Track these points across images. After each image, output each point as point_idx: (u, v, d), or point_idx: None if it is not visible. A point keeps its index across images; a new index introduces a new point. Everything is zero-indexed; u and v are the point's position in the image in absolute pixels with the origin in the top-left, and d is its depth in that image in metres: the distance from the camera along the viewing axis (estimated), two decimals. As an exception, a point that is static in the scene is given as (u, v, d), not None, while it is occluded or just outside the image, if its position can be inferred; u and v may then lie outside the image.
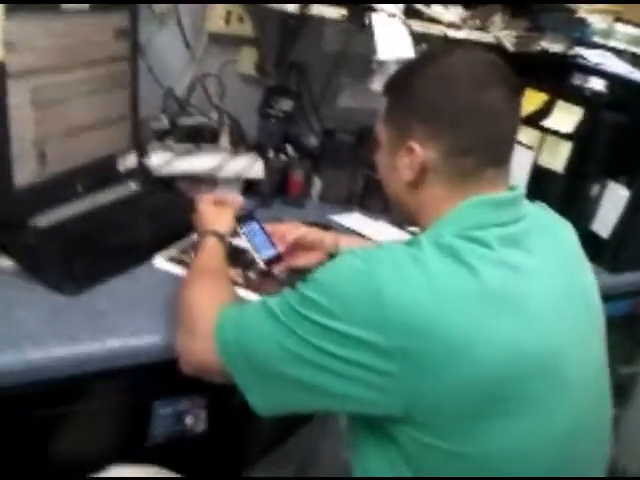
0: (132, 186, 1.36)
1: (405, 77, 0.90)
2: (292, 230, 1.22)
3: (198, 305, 0.93)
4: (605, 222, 1.54)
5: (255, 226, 1.20)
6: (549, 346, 0.80)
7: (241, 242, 1.28)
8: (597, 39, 1.74)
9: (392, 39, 1.46)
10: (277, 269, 1.21)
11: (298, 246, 1.23)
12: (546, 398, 0.79)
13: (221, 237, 1.09)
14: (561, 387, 0.80)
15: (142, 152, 1.41)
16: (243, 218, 1.19)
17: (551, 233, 0.90)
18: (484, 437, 0.77)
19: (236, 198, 1.25)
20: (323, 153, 1.65)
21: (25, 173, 1.11)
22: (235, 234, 1.17)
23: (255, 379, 0.84)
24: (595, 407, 0.88)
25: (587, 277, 0.93)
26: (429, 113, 0.84)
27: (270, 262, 1.19)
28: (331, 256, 1.22)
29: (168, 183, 1.44)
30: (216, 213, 1.14)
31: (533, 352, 0.77)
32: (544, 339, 0.79)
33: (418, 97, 0.85)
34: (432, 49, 0.98)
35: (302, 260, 1.23)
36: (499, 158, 0.86)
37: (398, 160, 0.87)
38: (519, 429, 0.77)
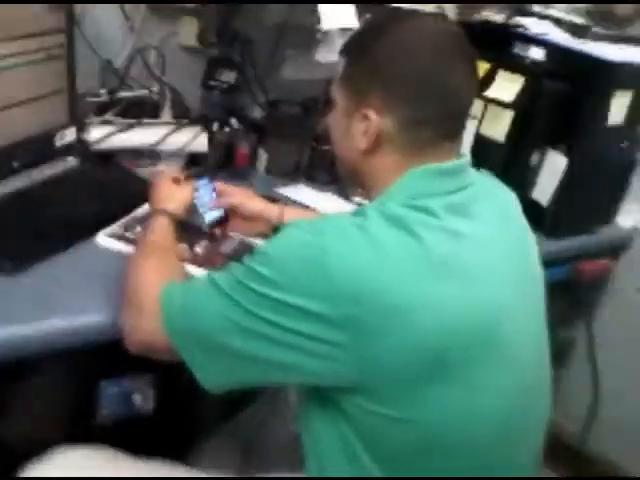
0: (71, 162, 1.33)
1: (366, 40, 0.87)
2: (234, 195, 1.22)
3: (144, 283, 0.92)
4: (544, 190, 1.57)
5: (206, 185, 1.21)
6: (490, 312, 0.82)
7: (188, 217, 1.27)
8: (538, 8, 1.75)
9: (335, 9, 1.45)
10: (219, 231, 1.23)
11: (239, 214, 1.23)
12: (487, 364, 0.81)
13: (172, 217, 1.08)
14: (502, 352, 0.83)
15: (81, 127, 1.37)
16: (196, 175, 1.21)
17: (495, 201, 0.92)
18: (427, 403, 0.78)
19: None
20: (268, 125, 1.63)
21: (-44, 150, 1.07)
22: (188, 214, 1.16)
23: (202, 354, 0.83)
24: (535, 371, 0.91)
25: (529, 244, 0.96)
26: (389, 81, 0.83)
27: (214, 225, 1.22)
28: (276, 229, 1.23)
29: (109, 158, 1.41)
30: (172, 191, 1.13)
31: (474, 318, 0.79)
32: (485, 305, 0.81)
33: (379, 63, 0.84)
34: (392, 13, 0.95)
35: (241, 228, 1.24)
36: (454, 132, 0.87)
37: (352, 126, 0.86)
38: (461, 395, 0.79)
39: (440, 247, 0.79)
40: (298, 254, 0.77)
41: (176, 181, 1.17)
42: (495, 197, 0.93)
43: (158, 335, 0.86)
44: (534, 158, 1.56)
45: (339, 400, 0.81)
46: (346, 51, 0.90)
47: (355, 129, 0.86)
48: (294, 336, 0.76)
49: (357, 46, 0.89)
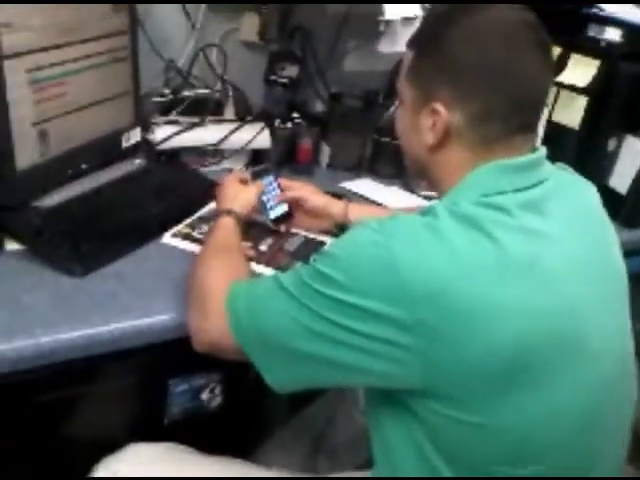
0: (137, 162, 1.35)
1: (435, 31, 0.83)
2: (297, 190, 1.22)
3: (210, 284, 0.91)
4: (623, 177, 1.50)
5: (271, 180, 1.22)
6: (570, 313, 0.77)
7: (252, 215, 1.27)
8: (612, -14, 1.66)
9: (398, -2, 1.42)
10: (283, 227, 1.23)
11: (302, 210, 1.22)
12: (569, 366, 0.77)
13: (238, 217, 1.07)
14: (583, 353, 0.78)
15: (146, 127, 1.39)
16: (260, 171, 1.21)
17: (573, 196, 0.87)
18: (504, 408, 0.75)
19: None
20: (330, 119, 1.61)
21: (27, 155, 1.09)
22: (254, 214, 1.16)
23: (270, 356, 0.83)
24: (619, 370, 0.86)
25: (610, 241, 0.90)
26: (459, 73, 0.80)
27: (279, 220, 1.22)
28: (340, 226, 1.22)
29: (174, 157, 1.42)
30: (238, 191, 1.13)
31: (554, 321, 0.75)
32: (565, 306, 0.77)
33: (447, 54, 0.80)
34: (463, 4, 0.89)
35: (304, 224, 1.24)
36: (527, 125, 0.83)
37: (420, 121, 0.84)
38: (543, 398, 0.76)
39: (516, 248, 0.75)
40: (367, 256, 0.75)
41: (243, 181, 1.17)
42: (572, 193, 0.88)
43: (224, 336, 0.85)
44: (611, 144, 1.50)
45: (409, 401, 0.78)
46: (414, 43, 0.87)
47: (423, 124, 0.83)
48: (362, 338, 0.74)
49: (426, 38, 0.85)
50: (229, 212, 1.07)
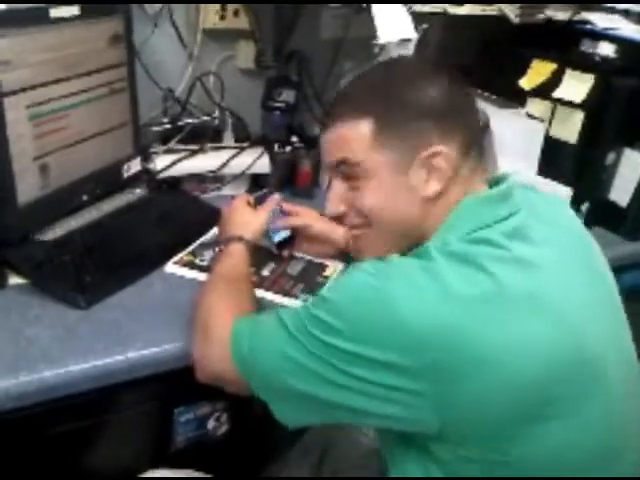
0: (138, 192, 1.36)
1: (382, 91, 0.83)
2: (301, 216, 1.21)
3: (215, 313, 0.91)
4: (623, 190, 1.50)
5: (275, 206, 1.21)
6: (579, 340, 0.76)
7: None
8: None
9: (392, 20, 1.43)
10: (286, 252, 1.23)
11: (306, 235, 1.22)
12: (585, 393, 0.76)
13: (249, 244, 1.06)
14: (597, 383, 0.77)
15: (146, 156, 1.40)
16: (264, 196, 1.21)
17: (549, 217, 0.87)
18: (531, 441, 0.74)
19: (274, 196, 1.20)
20: (329, 142, 1.62)
21: (28, 188, 1.10)
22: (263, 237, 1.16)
23: (275, 394, 0.81)
24: (633, 396, 0.85)
25: (596, 255, 0.91)
26: (437, 113, 0.81)
27: (282, 244, 1.22)
28: (341, 251, 1.22)
29: (174, 185, 1.43)
30: (247, 217, 1.12)
31: (566, 350, 0.74)
32: (573, 334, 0.76)
33: (414, 101, 0.81)
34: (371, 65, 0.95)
35: (307, 249, 1.24)
36: (482, 150, 0.86)
37: (411, 177, 0.81)
38: (564, 428, 0.74)
39: (512, 280, 0.74)
40: (365, 302, 0.73)
41: (250, 205, 1.15)
42: (547, 213, 0.88)
43: (228, 369, 0.84)
44: (609, 158, 1.50)
45: (428, 444, 0.77)
46: (366, 110, 0.82)
47: (414, 179, 0.81)
48: (370, 385, 0.72)
49: (379, 99, 0.83)
50: (240, 239, 1.06)
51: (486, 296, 0.72)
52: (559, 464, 0.76)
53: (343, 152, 0.84)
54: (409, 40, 1.44)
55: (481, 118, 0.86)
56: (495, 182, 0.87)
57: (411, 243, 0.83)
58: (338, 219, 0.90)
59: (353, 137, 0.83)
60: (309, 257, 1.25)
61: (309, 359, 0.75)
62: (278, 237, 1.21)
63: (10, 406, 0.87)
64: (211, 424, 1.11)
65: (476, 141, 0.84)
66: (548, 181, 1.50)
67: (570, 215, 0.93)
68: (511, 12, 1.56)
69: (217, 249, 1.09)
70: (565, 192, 1.48)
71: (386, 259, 0.77)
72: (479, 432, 0.73)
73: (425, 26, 1.49)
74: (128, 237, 1.21)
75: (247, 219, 1.11)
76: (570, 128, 1.47)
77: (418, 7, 1.47)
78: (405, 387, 0.71)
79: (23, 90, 1.06)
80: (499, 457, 0.74)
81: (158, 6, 1.44)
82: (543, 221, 0.84)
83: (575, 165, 1.48)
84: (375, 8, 1.39)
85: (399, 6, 1.44)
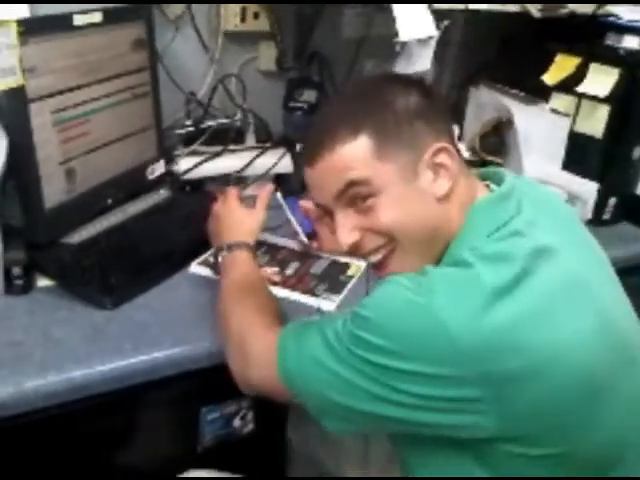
0: (162, 194, 1.37)
1: (366, 104, 0.82)
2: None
3: (248, 328, 0.89)
4: (651, 185, 1.49)
5: (293, 199, 1.22)
6: (617, 328, 0.78)
7: (277, 239, 1.29)
8: (628, -7, 1.65)
9: (413, 18, 1.42)
10: (315, 243, 1.23)
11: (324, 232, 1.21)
12: (625, 372, 0.78)
13: (252, 248, 1.05)
14: (633, 363, 0.80)
15: (170, 159, 1.41)
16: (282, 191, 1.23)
17: (550, 209, 0.88)
18: (579, 434, 0.74)
19: (266, 188, 1.18)
20: (351, 141, 1.62)
21: (55, 193, 1.12)
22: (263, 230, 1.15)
23: (329, 414, 0.80)
24: None
25: (595, 243, 0.91)
26: (423, 113, 0.81)
27: (310, 237, 1.23)
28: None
29: (198, 187, 1.44)
30: (243, 218, 1.09)
31: (608, 334, 0.76)
32: (611, 321, 0.77)
33: (399, 106, 0.81)
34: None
35: (327, 245, 1.18)
36: None
37: (421, 182, 0.80)
38: (611, 413, 0.75)
39: (550, 274, 0.74)
40: (410, 318, 0.71)
41: (241, 200, 1.12)
42: (547, 204, 0.88)
43: (275, 385, 0.82)
44: (636, 152, 1.48)
45: (478, 447, 0.76)
46: (360, 130, 0.80)
47: (424, 183, 0.80)
48: (424, 400, 0.71)
49: (374, 113, 0.81)
50: (242, 245, 1.04)
51: (531, 295, 0.71)
52: (614, 447, 0.77)
53: (347, 175, 0.80)
54: (431, 38, 1.44)
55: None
56: (489, 177, 0.89)
57: (441, 249, 0.82)
58: (354, 249, 0.84)
59: (354, 157, 0.80)
60: (332, 256, 1.25)
61: (360, 378, 0.73)
62: (308, 227, 1.20)
63: (40, 405, 0.89)
64: (237, 422, 1.11)
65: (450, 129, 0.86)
66: (573, 177, 1.49)
67: (566, 206, 0.95)
68: (533, 7, 1.54)
69: (219, 256, 1.05)
70: (591, 187, 1.46)
71: (422, 271, 0.75)
72: (534, 430, 0.73)
73: (446, 23, 1.49)
74: (153, 239, 1.22)
75: (244, 220, 1.08)
76: (595, 123, 1.46)
77: (439, 4, 1.47)
78: (461, 397, 0.70)
79: (48, 96, 1.08)
80: (552, 451, 0.74)
81: (179, 10, 1.45)
82: (546, 214, 0.84)
83: (601, 160, 1.46)
84: (396, 6, 1.39)
85: (419, 3, 1.43)
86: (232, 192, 1.14)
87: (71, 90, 1.13)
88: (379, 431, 0.84)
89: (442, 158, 0.81)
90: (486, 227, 0.78)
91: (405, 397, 0.72)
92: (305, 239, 1.24)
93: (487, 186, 0.88)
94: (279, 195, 1.25)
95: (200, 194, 1.43)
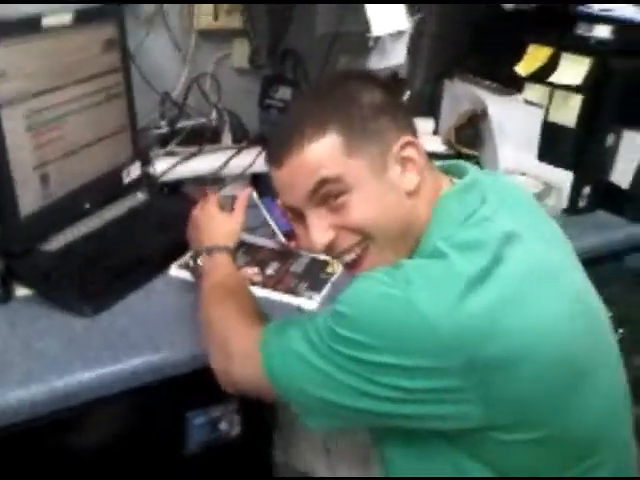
0: (139, 196, 1.36)
1: (330, 101, 0.82)
2: None
3: (231, 326, 0.89)
4: (624, 172, 1.50)
5: (270, 199, 1.24)
6: (590, 308, 0.82)
7: (257, 239, 1.28)
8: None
9: (385, 13, 1.42)
10: (294, 242, 1.23)
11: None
12: (599, 361, 0.80)
13: (231, 251, 1.05)
14: (601, 329, 0.84)
15: (146, 161, 1.40)
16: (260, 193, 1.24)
17: (513, 198, 0.89)
18: (568, 414, 0.76)
19: (245, 191, 1.18)
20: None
21: (30, 199, 1.10)
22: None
23: (312, 411, 0.81)
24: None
25: (560, 231, 0.92)
26: (387, 108, 0.82)
27: (288, 235, 1.23)
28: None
29: (175, 188, 1.43)
30: (221, 222, 1.09)
31: (583, 320, 0.78)
32: (584, 303, 0.81)
33: (364, 102, 0.82)
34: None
35: (306, 244, 1.23)
36: None
37: (390, 176, 0.81)
38: (593, 397, 0.78)
39: (522, 258, 0.75)
40: (388, 312, 0.71)
41: (221, 205, 1.12)
42: (510, 196, 0.89)
43: (259, 382, 0.83)
44: (609, 140, 1.50)
45: (464, 438, 0.77)
46: (329, 128, 0.80)
47: (393, 177, 0.81)
48: (408, 393, 0.72)
49: (340, 110, 0.81)
50: (221, 249, 1.03)
51: (507, 282, 0.73)
52: (597, 429, 0.79)
53: (318, 173, 0.79)
54: (403, 32, 1.44)
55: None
56: (450, 170, 0.90)
57: (412, 244, 0.82)
58: (329, 249, 0.84)
59: (323, 154, 0.79)
60: (311, 255, 1.25)
61: (342, 374, 0.74)
62: (286, 227, 1.20)
63: (23, 417, 0.88)
64: (224, 426, 1.11)
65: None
66: (548, 167, 1.50)
67: (528, 195, 0.96)
68: (505, -2, 1.56)
69: (198, 259, 1.05)
70: (566, 176, 1.48)
71: (396, 265, 0.76)
72: (521, 415, 0.74)
73: (419, 16, 1.49)
74: (131, 243, 1.21)
75: (224, 225, 1.08)
76: (568, 112, 1.47)
77: (411, -3, 1.47)
78: (444, 387, 0.71)
79: (20, 100, 1.06)
80: (539, 434, 0.75)
81: (151, 10, 1.43)
82: (507, 199, 0.86)
83: (575, 149, 1.47)
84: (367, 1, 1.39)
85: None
86: (211, 197, 1.13)
87: (43, 93, 1.11)
88: (364, 425, 0.84)
89: (409, 152, 0.82)
90: (456, 216, 0.80)
91: (388, 391, 0.72)
92: (283, 239, 1.24)
93: (450, 180, 0.88)
94: (255, 195, 1.25)
95: (178, 196, 1.42)
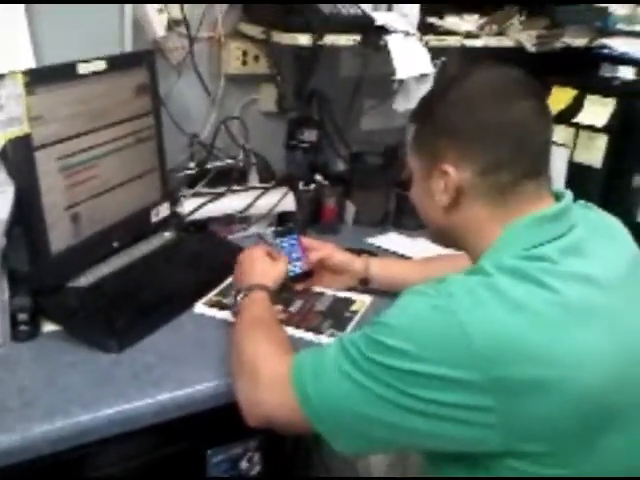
0: (167, 235, 1.39)
1: (428, 104, 0.91)
2: (321, 249, 1.24)
3: (261, 356, 0.91)
4: (652, 213, 1.49)
5: (293, 240, 1.25)
6: (635, 351, 0.79)
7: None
8: (620, 26, 1.68)
9: (409, 57, 1.45)
10: (299, 286, 1.25)
11: (325, 268, 1.25)
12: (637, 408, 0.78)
13: (271, 293, 1.09)
14: None
15: (174, 201, 1.43)
16: (284, 232, 1.26)
17: (605, 233, 0.88)
18: (590, 456, 0.75)
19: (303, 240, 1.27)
20: (352, 177, 1.64)
21: (61, 238, 1.14)
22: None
23: (342, 429, 0.81)
24: None
25: None
26: (456, 134, 0.84)
27: (295, 279, 1.24)
28: (361, 281, 1.25)
29: (203, 227, 1.45)
30: (269, 267, 1.15)
31: (624, 364, 0.76)
32: (630, 344, 0.78)
33: (443, 121, 0.85)
34: (452, 74, 1.00)
35: (326, 282, 1.27)
36: (535, 170, 0.84)
37: (432, 185, 0.86)
38: (620, 440, 0.76)
39: (574, 293, 0.75)
40: (432, 322, 0.74)
41: (270, 256, 1.18)
42: (603, 229, 0.89)
43: (287, 407, 0.84)
44: (636, 180, 1.49)
45: (488, 462, 0.76)
46: (414, 117, 0.93)
47: (434, 188, 0.86)
48: (437, 406, 0.73)
49: (422, 111, 0.92)
50: (263, 287, 1.09)
51: (549, 309, 0.73)
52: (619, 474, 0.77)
53: None
54: (427, 75, 1.47)
55: (535, 138, 0.84)
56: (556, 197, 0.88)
57: (473, 254, 0.87)
58: None
59: (408, 138, 0.92)
60: (335, 292, 1.26)
61: (379, 388, 0.75)
62: (292, 272, 1.22)
63: (47, 451, 0.89)
64: (244, 465, 1.10)
65: (512, 161, 0.82)
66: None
67: (625, 232, 0.94)
68: (528, 42, 1.58)
69: (238, 297, 1.09)
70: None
71: (442, 279, 0.79)
72: (541, 448, 0.73)
73: (443, 59, 1.52)
74: (158, 280, 1.23)
75: (268, 269, 1.14)
76: (594, 153, 1.47)
77: (435, 42, 1.50)
78: (473, 404, 0.72)
79: (53, 143, 1.10)
80: (560, 472, 0.74)
81: (182, 55, 1.48)
82: (600, 238, 0.85)
83: (601, 189, 1.47)
84: (392, 45, 1.42)
85: (415, 42, 1.46)
86: (261, 247, 1.21)
87: (76, 137, 1.15)
88: (394, 448, 0.84)
89: (446, 178, 0.84)
90: (516, 245, 0.80)
91: (417, 402, 0.74)
92: (288, 282, 1.23)
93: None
94: (270, 234, 1.26)
95: (204, 234, 1.44)
